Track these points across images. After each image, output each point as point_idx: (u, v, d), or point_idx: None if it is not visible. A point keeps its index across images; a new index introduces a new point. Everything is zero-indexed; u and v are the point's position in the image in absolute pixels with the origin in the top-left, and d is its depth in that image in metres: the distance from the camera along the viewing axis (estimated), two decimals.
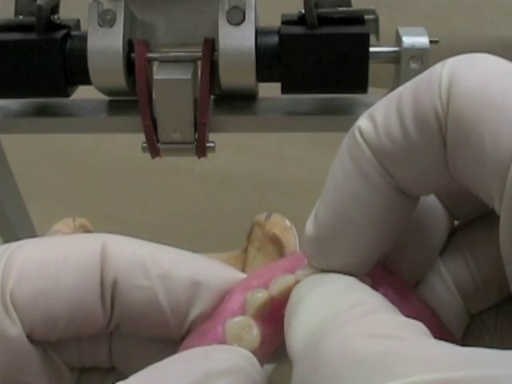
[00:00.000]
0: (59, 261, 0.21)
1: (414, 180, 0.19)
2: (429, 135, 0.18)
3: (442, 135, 0.18)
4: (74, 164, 0.79)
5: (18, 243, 0.22)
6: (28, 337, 0.21)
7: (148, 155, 0.43)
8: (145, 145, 0.42)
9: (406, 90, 0.19)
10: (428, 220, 0.22)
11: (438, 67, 0.19)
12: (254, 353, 0.20)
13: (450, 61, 0.19)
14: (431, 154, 0.19)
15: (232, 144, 0.72)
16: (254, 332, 0.21)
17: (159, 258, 0.22)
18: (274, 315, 0.21)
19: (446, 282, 0.23)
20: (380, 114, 0.19)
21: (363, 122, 0.20)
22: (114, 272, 0.21)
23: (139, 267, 0.22)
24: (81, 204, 0.73)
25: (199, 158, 0.43)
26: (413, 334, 0.17)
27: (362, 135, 0.19)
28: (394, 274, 0.22)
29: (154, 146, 0.42)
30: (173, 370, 0.19)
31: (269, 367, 0.52)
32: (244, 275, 0.23)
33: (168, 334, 0.22)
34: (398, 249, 0.22)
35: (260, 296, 0.21)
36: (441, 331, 0.21)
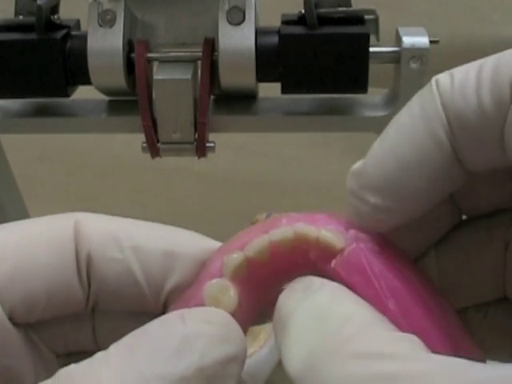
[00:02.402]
0: (34, 240, 0.21)
1: (472, 145, 0.19)
2: (500, 104, 0.18)
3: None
4: (74, 164, 0.79)
5: None
6: (10, 319, 0.21)
7: (148, 155, 0.43)
8: (145, 145, 0.42)
9: (489, 58, 0.19)
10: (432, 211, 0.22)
11: None
12: (232, 315, 0.20)
13: None
14: (497, 123, 0.18)
15: (232, 144, 0.72)
16: (231, 293, 0.21)
17: (131, 230, 0.22)
18: (251, 276, 0.21)
19: (430, 268, 0.23)
20: (460, 74, 0.19)
21: (442, 76, 0.20)
22: (87, 246, 0.22)
23: (112, 240, 0.22)
24: (81, 204, 0.73)
25: (199, 158, 0.43)
26: (409, 349, 0.16)
27: (437, 86, 0.19)
28: (410, 263, 0.22)
29: (154, 146, 0.42)
30: (151, 336, 0.19)
31: (269, 367, 0.52)
32: (219, 243, 0.23)
33: (146, 307, 0.22)
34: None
35: (235, 257, 0.21)
36: (447, 323, 0.21)
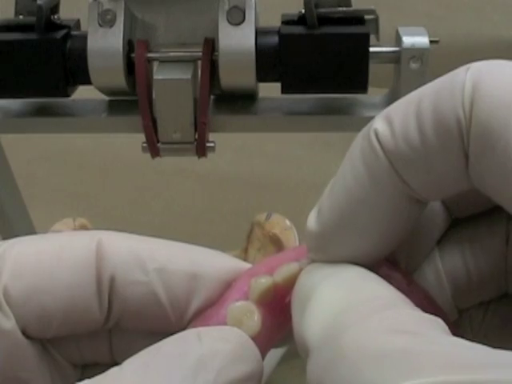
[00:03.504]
0: (54, 257, 0.21)
1: (428, 187, 0.19)
2: (449, 143, 0.18)
3: (464, 144, 0.18)
4: (74, 164, 0.79)
5: (12, 240, 0.22)
6: (23, 333, 0.21)
7: (148, 155, 0.43)
8: (145, 145, 0.42)
9: (426, 93, 0.18)
10: (425, 212, 0.22)
11: (460, 72, 0.18)
12: (253, 339, 0.20)
13: (474, 66, 0.18)
14: (450, 161, 0.18)
15: (232, 144, 0.72)
16: (255, 317, 0.21)
17: (155, 252, 0.22)
18: (277, 303, 0.21)
19: (439, 275, 0.23)
20: (398, 118, 0.19)
21: (379, 125, 0.19)
22: (110, 268, 0.21)
23: (136, 262, 0.21)
24: (81, 204, 0.73)
25: (199, 158, 0.43)
26: (434, 330, 0.16)
27: (377, 138, 0.19)
28: (394, 264, 0.22)
29: (154, 146, 0.42)
30: (167, 354, 0.19)
31: (269, 367, 0.52)
32: (245, 264, 0.23)
33: (169, 328, 0.22)
34: None
35: (263, 282, 0.21)
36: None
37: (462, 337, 0.16)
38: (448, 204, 0.23)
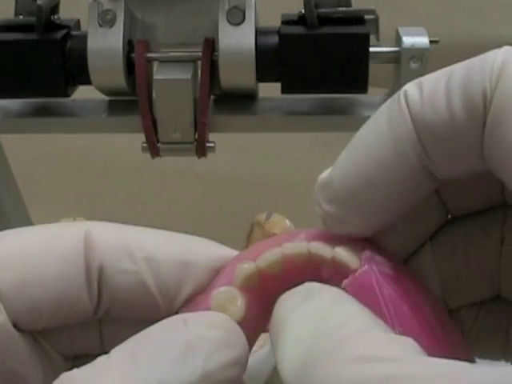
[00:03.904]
0: (42, 249, 0.21)
1: (445, 157, 0.19)
2: (472, 113, 0.18)
3: (485, 115, 0.18)
4: (74, 164, 0.79)
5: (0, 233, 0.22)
6: (14, 326, 0.21)
7: (148, 155, 0.43)
8: (145, 145, 0.42)
9: (458, 67, 0.19)
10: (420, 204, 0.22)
11: (493, 52, 0.19)
12: (238, 324, 0.20)
13: (508, 47, 0.19)
14: (470, 132, 0.18)
15: (232, 144, 0.72)
16: (238, 303, 0.21)
17: (143, 240, 0.22)
18: (261, 287, 0.21)
19: (428, 271, 0.22)
20: (429, 85, 0.19)
21: (410, 88, 0.19)
22: (99, 258, 0.21)
23: (124, 251, 0.21)
24: (81, 204, 0.73)
25: (199, 158, 0.43)
26: (405, 352, 0.16)
27: (406, 99, 0.19)
28: (379, 247, 0.22)
29: (154, 146, 0.42)
30: (154, 341, 0.19)
31: (269, 367, 0.52)
32: (234, 251, 0.23)
33: (158, 317, 0.21)
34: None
35: (246, 267, 0.21)
36: (434, 303, 0.21)
37: None
38: (445, 200, 0.22)
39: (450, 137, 0.18)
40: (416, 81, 0.19)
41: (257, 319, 0.21)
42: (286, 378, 0.18)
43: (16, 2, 0.42)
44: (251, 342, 0.21)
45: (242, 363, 0.20)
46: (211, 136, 0.43)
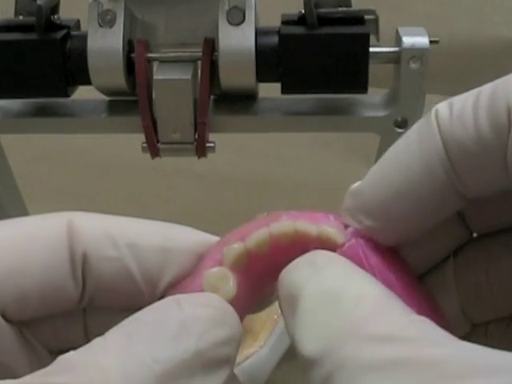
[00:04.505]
0: (27, 239, 0.21)
1: (472, 173, 0.19)
2: (498, 130, 0.18)
3: (510, 131, 0.18)
4: (74, 164, 0.79)
5: None
6: (2, 316, 0.21)
7: (148, 155, 0.43)
8: (145, 145, 0.42)
9: (486, 86, 0.19)
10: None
11: None
12: (230, 303, 0.21)
13: None
14: (497, 149, 0.19)
15: (232, 144, 0.72)
16: (230, 282, 0.21)
17: (126, 228, 0.22)
18: (250, 267, 0.22)
19: (447, 285, 0.23)
20: (458, 104, 0.19)
21: (441, 106, 0.20)
22: (82, 245, 0.22)
23: (107, 238, 0.22)
24: (81, 204, 0.73)
25: (199, 158, 0.43)
26: (422, 333, 0.17)
27: (436, 117, 0.20)
28: (399, 258, 0.22)
29: (154, 146, 0.42)
30: (148, 322, 0.19)
31: (269, 367, 0.52)
32: (214, 237, 0.23)
33: (142, 303, 0.22)
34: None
35: (235, 247, 0.22)
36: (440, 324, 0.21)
37: None
38: (468, 219, 0.23)
39: (477, 153, 0.19)
40: (448, 100, 0.20)
41: (246, 298, 0.22)
42: (305, 355, 0.18)
43: (16, 2, 0.42)
44: (242, 318, 0.21)
45: (235, 341, 0.20)
46: (211, 136, 0.43)
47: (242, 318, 0.21)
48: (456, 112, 0.19)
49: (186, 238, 0.23)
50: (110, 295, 0.22)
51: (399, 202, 0.20)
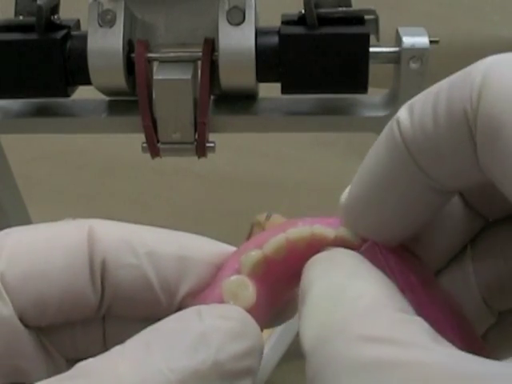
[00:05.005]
0: (48, 244, 0.22)
1: (444, 175, 0.19)
2: (458, 133, 0.18)
3: (472, 134, 0.18)
4: (74, 164, 0.79)
5: (5, 230, 0.22)
6: (20, 320, 0.21)
7: (148, 155, 0.43)
8: (145, 145, 0.42)
9: (443, 85, 0.19)
10: (446, 215, 0.22)
11: (473, 67, 0.19)
12: (249, 311, 0.21)
13: (487, 59, 0.19)
14: (460, 151, 0.19)
15: (232, 144, 0.72)
16: (249, 289, 0.21)
17: (144, 236, 0.22)
18: (268, 274, 0.22)
19: (467, 277, 0.23)
20: (418, 107, 0.19)
21: (402, 113, 0.20)
22: (102, 253, 0.22)
23: (126, 246, 0.22)
24: (81, 204, 0.73)
25: (199, 158, 0.43)
26: (413, 335, 0.17)
27: (398, 126, 0.20)
28: (416, 258, 0.22)
29: (154, 146, 0.42)
30: (168, 331, 0.19)
31: (269, 367, 0.52)
32: (231, 247, 0.23)
33: (159, 313, 0.22)
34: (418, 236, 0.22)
35: (253, 254, 0.22)
36: (458, 322, 0.21)
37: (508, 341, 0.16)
38: (476, 208, 0.23)
39: (441, 156, 0.19)
40: (407, 105, 0.20)
41: (265, 305, 0.22)
42: (303, 346, 0.18)
43: (16, 2, 0.42)
44: (261, 327, 0.21)
45: (256, 353, 0.20)
46: (211, 136, 0.43)
47: (262, 324, 0.22)
48: (417, 119, 0.19)
49: (204, 248, 0.23)
50: (128, 303, 0.22)
51: (387, 216, 0.20)
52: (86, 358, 0.23)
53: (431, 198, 0.20)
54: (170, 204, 0.73)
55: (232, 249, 0.23)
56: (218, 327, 0.19)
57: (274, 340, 0.52)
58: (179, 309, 0.22)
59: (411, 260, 0.22)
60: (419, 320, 0.17)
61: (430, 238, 0.22)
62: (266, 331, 0.56)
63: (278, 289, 0.22)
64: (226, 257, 0.23)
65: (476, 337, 0.21)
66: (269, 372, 0.52)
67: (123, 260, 0.22)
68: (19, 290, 0.21)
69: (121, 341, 0.20)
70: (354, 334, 0.17)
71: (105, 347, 0.23)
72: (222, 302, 0.21)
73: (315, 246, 0.22)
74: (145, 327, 0.20)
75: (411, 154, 0.19)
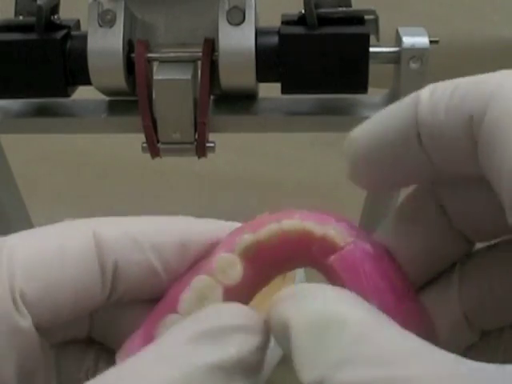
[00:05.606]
0: (58, 253, 0.22)
1: (442, 160, 0.21)
2: (464, 132, 0.20)
3: (474, 135, 0.19)
4: (74, 164, 0.79)
5: (3, 238, 0.23)
6: (37, 328, 0.22)
7: (148, 155, 0.43)
8: (145, 145, 0.42)
9: (461, 84, 0.20)
10: (433, 237, 0.23)
11: (490, 75, 0.20)
12: (234, 288, 0.23)
13: (503, 72, 0.20)
14: (462, 148, 0.20)
15: (232, 144, 0.72)
16: (237, 268, 0.23)
17: (146, 229, 0.23)
18: (258, 257, 0.24)
19: (450, 294, 0.23)
20: (438, 94, 0.21)
21: (425, 93, 0.21)
22: (111, 255, 0.22)
23: (132, 243, 0.23)
24: (81, 204, 0.73)
25: (199, 158, 0.43)
26: (407, 351, 0.17)
27: (418, 100, 0.21)
28: (397, 266, 0.23)
29: (154, 146, 0.42)
30: (185, 321, 0.20)
31: (269, 367, 0.52)
32: (230, 223, 0.25)
33: (160, 293, 0.24)
34: (406, 249, 0.23)
35: (246, 237, 0.24)
36: (405, 278, 0.23)
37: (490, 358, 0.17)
38: (465, 230, 0.23)
39: (444, 146, 0.20)
40: (432, 86, 0.21)
41: (251, 285, 0.24)
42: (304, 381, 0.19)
43: (16, 2, 0.42)
44: (245, 303, 0.23)
45: (266, 348, 0.21)
46: (211, 136, 0.43)
47: (247, 300, 0.24)
48: (433, 102, 0.20)
49: (203, 227, 0.24)
50: (135, 292, 0.23)
51: (379, 151, 0.22)
52: (68, 342, 0.24)
53: (428, 171, 0.21)
54: (170, 204, 0.73)
55: (230, 224, 0.25)
56: (237, 325, 0.20)
57: (273, 340, 0.52)
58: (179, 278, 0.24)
59: (390, 267, 0.23)
60: (409, 334, 0.18)
61: (416, 258, 0.23)
62: None
63: (266, 272, 0.24)
64: (224, 231, 0.24)
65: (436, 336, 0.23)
66: (269, 372, 0.52)
67: (131, 258, 0.23)
68: (37, 304, 0.22)
69: (128, 322, 0.22)
70: (351, 362, 0.17)
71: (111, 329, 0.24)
72: (212, 275, 0.23)
73: (304, 240, 0.23)
74: (150, 306, 0.23)
75: (419, 127, 0.20)
